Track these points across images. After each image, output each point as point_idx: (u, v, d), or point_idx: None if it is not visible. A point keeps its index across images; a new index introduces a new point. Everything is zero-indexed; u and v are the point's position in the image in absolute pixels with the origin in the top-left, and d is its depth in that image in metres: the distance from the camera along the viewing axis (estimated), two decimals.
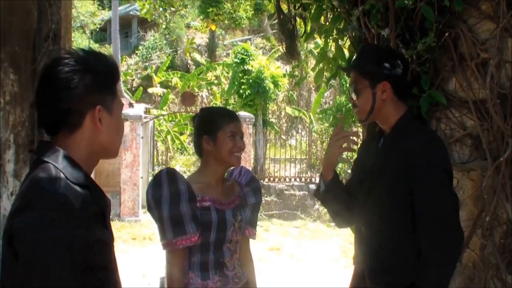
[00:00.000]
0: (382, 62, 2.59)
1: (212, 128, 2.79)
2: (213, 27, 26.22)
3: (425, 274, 2.37)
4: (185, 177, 2.80)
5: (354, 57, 2.76)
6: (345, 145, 2.64)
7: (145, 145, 16.19)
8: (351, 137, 2.67)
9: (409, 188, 2.44)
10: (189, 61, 28.85)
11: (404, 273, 2.48)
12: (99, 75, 1.72)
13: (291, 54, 4.29)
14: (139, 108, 16.21)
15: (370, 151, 2.71)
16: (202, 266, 2.72)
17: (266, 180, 17.38)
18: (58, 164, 1.63)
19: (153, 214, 2.69)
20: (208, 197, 2.73)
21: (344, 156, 19.34)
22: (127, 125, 14.12)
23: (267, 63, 19.48)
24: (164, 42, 30.30)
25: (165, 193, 2.65)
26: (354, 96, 2.64)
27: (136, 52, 30.82)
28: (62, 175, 1.60)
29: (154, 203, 2.66)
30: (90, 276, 1.61)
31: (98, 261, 1.66)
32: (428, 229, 2.40)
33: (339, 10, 3.50)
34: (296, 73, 22.99)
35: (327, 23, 3.90)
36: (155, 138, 19.53)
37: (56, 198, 1.54)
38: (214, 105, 21.88)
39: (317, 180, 14.48)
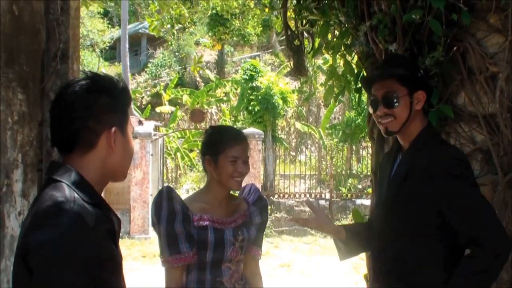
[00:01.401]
0: (417, 71, 2.54)
1: (214, 149, 2.77)
2: (219, 47, 26.35)
3: (468, 272, 2.28)
4: (192, 194, 2.80)
5: (380, 66, 2.68)
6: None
7: (154, 163, 16.19)
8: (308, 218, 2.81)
9: (435, 201, 2.35)
10: (198, 78, 28.97)
11: (432, 283, 2.40)
12: (114, 97, 1.77)
13: (299, 70, 4.29)
14: (148, 126, 16.25)
15: (387, 169, 2.65)
16: (199, 284, 2.73)
17: (276, 196, 17.32)
18: (70, 183, 1.66)
19: (155, 229, 2.75)
20: (206, 217, 2.74)
21: (354, 171, 19.29)
22: (136, 143, 14.15)
23: (276, 79, 19.51)
24: (174, 59, 30.47)
25: (163, 211, 2.70)
26: (388, 105, 2.50)
27: (145, 69, 31.03)
28: (75, 193, 1.63)
29: (155, 220, 2.72)
30: None
31: (109, 279, 1.68)
32: (474, 233, 2.29)
33: (346, 25, 3.50)
34: (305, 89, 23.02)
35: (335, 39, 3.90)
36: (165, 155, 19.55)
37: (71, 216, 1.56)
38: (223, 122, 21.90)
39: (327, 196, 14.33)
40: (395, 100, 2.49)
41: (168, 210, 2.69)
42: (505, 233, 2.34)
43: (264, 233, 3.02)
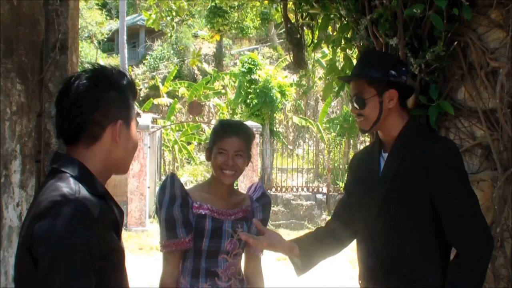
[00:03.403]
0: (388, 69, 2.51)
1: (210, 141, 2.84)
2: (218, 38, 26.27)
3: (459, 276, 2.31)
4: (197, 184, 2.83)
5: (356, 64, 2.70)
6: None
7: (152, 155, 16.18)
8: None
9: (429, 192, 2.37)
10: (196, 71, 28.92)
11: (430, 278, 2.41)
12: (121, 91, 1.78)
13: (298, 64, 4.27)
14: (146, 118, 16.23)
15: (370, 166, 2.63)
16: (194, 272, 2.76)
17: (273, 190, 17.33)
18: (75, 174, 1.68)
19: (158, 216, 2.81)
20: (206, 206, 2.78)
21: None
22: None
23: (274, 72, 19.49)
24: (172, 52, 30.39)
25: (166, 197, 2.75)
26: (358, 106, 2.55)
27: (143, 62, 30.94)
28: (80, 184, 1.65)
29: (158, 206, 2.78)
30: (105, 283, 1.65)
31: (112, 269, 1.70)
32: (460, 231, 2.34)
33: (346, 19, 3.48)
34: (303, 82, 23.01)
35: (335, 33, 3.89)
36: (162, 148, 19.54)
37: (76, 206, 1.58)
38: (221, 115, 21.89)
39: (325, 190, 14.24)
40: (362, 102, 2.53)
41: (169, 196, 2.74)
42: (489, 234, 2.37)
43: None
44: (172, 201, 2.73)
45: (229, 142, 2.76)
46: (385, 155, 2.57)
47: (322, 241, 2.79)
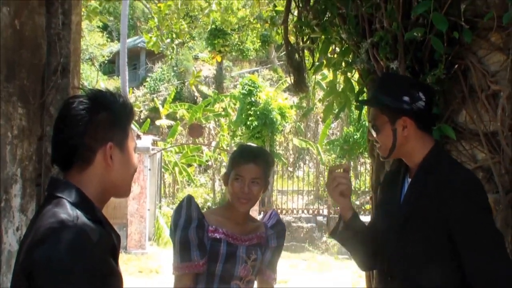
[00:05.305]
0: (401, 96, 2.42)
1: (229, 167, 2.81)
2: (219, 59, 26.41)
3: None
4: (212, 208, 2.81)
5: (373, 89, 2.67)
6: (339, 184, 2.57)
7: (152, 177, 16.15)
8: (342, 171, 2.60)
9: (448, 226, 2.28)
10: (196, 93, 29.00)
11: None
12: (112, 113, 1.76)
13: (299, 87, 4.27)
14: (146, 140, 16.23)
15: (395, 189, 2.57)
16: None
17: None
18: (72, 199, 1.66)
19: (172, 238, 2.78)
20: (221, 230, 2.75)
21: (352, 188, 19.24)
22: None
23: (274, 94, 19.54)
24: (172, 74, 30.52)
25: (181, 219, 2.73)
26: (373, 133, 2.50)
27: (144, 84, 31.07)
28: (77, 210, 1.63)
29: (173, 228, 2.75)
30: None
31: None
32: (479, 270, 2.24)
33: (347, 42, 3.50)
34: (303, 104, 23.06)
35: (335, 56, 3.90)
36: (162, 170, 19.51)
37: (75, 232, 1.57)
38: (221, 137, 21.90)
39: (325, 212, 14.15)
40: (375, 128, 2.50)
41: (186, 217, 2.72)
42: None
43: None
44: (188, 223, 2.70)
45: (246, 169, 2.72)
46: (410, 180, 2.51)
47: (364, 244, 2.64)
